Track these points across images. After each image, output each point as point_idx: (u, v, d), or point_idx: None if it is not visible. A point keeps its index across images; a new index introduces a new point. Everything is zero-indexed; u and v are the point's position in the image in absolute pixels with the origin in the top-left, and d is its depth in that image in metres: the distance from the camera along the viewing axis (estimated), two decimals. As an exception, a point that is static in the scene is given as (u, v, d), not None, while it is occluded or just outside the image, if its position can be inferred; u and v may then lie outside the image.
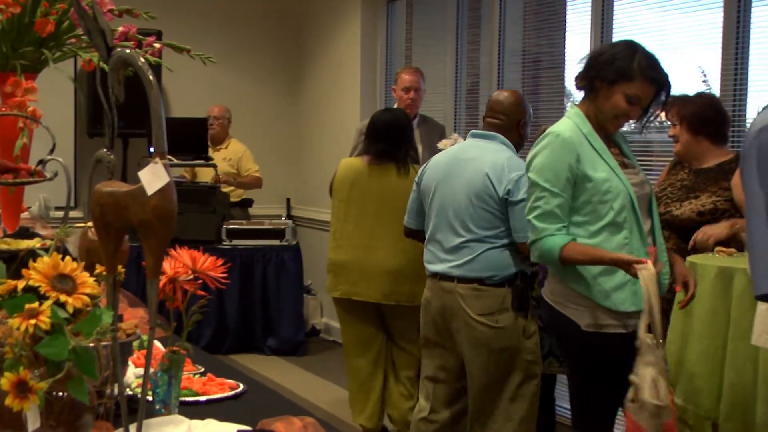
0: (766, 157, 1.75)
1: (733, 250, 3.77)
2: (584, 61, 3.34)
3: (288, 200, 8.64)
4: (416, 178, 4.27)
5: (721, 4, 4.74)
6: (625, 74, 3.20)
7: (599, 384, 3.29)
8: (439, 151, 5.66)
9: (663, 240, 3.44)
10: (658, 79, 3.23)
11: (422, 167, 4.28)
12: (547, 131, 3.31)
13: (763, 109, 2.05)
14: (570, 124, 3.27)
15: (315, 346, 7.78)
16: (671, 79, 3.27)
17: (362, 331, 5.02)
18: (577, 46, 5.82)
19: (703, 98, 4.18)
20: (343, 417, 5.45)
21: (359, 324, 5.01)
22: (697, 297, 3.60)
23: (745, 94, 4.65)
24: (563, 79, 6.06)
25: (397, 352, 5.09)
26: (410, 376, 5.10)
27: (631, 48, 3.25)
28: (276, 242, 7.42)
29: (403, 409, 5.09)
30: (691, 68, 5.09)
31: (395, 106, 6.00)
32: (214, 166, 7.32)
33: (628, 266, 3.03)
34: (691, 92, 4.30)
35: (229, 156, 7.72)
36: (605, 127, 3.31)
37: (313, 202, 8.20)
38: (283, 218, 8.18)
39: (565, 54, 6.21)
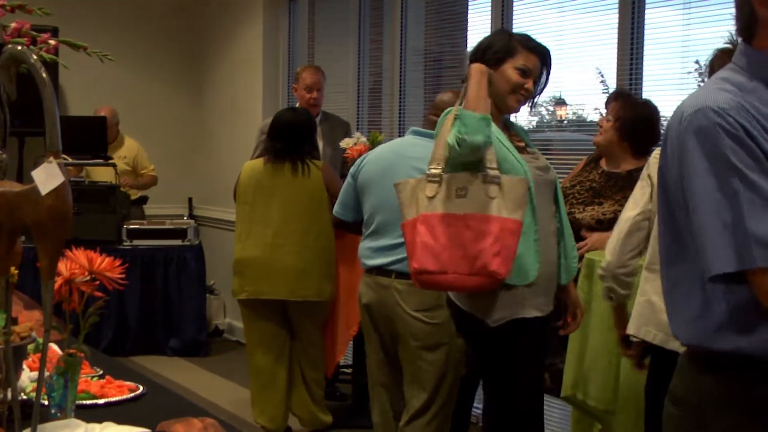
0: (708, 139, 1.76)
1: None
2: (468, 59, 3.41)
3: (190, 200, 8.56)
4: (352, 171, 4.23)
5: (617, 6, 4.84)
6: (507, 50, 3.30)
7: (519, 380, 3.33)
8: (343, 149, 5.69)
9: (570, 226, 3.50)
10: (539, 48, 3.36)
11: (359, 160, 4.23)
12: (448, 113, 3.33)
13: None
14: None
15: (218, 346, 7.72)
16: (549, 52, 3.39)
17: (266, 330, 5.00)
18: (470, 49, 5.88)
19: (646, 108, 4.22)
20: (246, 417, 5.42)
21: (263, 323, 4.99)
22: (596, 294, 3.68)
23: (640, 93, 4.75)
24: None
25: (302, 355, 5.08)
26: (316, 379, 5.10)
27: (505, 31, 3.45)
28: (178, 242, 7.34)
29: (310, 411, 5.09)
30: (589, 67, 5.19)
31: (297, 105, 5.99)
32: (114, 165, 7.20)
33: None
34: (594, 92, 4.36)
35: (124, 154, 7.61)
36: (507, 107, 3.36)
37: (216, 201, 8.13)
38: (185, 218, 8.10)
39: (467, 53, 6.26)
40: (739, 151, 1.74)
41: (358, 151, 5.64)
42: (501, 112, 3.38)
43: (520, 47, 3.31)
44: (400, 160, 3.97)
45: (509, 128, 3.44)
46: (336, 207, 4.30)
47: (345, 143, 5.71)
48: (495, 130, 3.26)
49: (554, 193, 3.40)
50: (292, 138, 4.90)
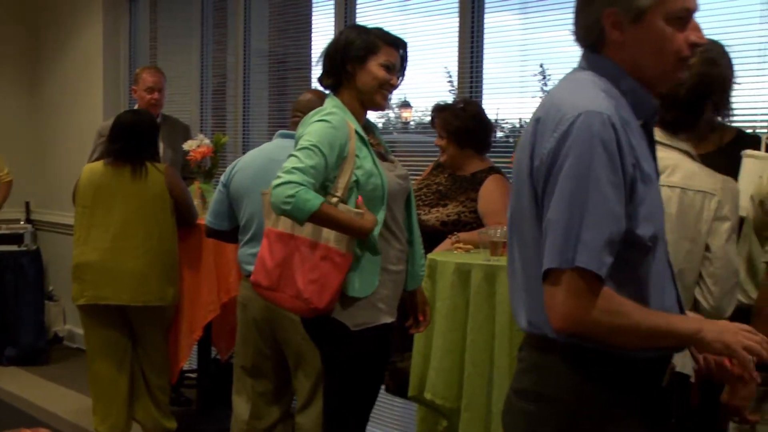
0: (584, 143, 1.83)
1: (470, 246, 3.91)
2: (322, 59, 3.38)
3: (27, 204, 8.27)
4: (223, 180, 4.14)
5: (457, 9, 4.92)
6: (370, 48, 3.28)
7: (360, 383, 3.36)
8: (185, 152, 5.61)
9: (419, 233, 3.53)
10: (397, 41, 3.36)
11: (230, 168, 4.14)
12: (316, 111, 3.29)
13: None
14: (341, 114, 3.25)
15: (58, 354, 7.50)
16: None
17: (106, 336, 4.87)
18: (323, 48, 5.88)
19: (467, 111, 4.26)
20: (86, 426, 5.28)
21: (104, 329, 4.86)
22: (439, 293, 3.72)
23: (480, 95, 4.84)
24: (310, 80, 6.11)
25: (146, 361, 4.98)
26: (161, 385, 5.00)
27: (360, 27, 3.39)
28: (14, 247, 7.12)
29: (154, 418, 4.99)
30: (433, 70, 5.25)
31: (136, 106, 5.86)
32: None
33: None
34: (438, 94, 4.41)
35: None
36: (375, 105, 3.35)
37: (56, 205, 7.89)
38: (22, 222, 7.84)
39: (311, 55, 6.27)
40: (606, 161, 1.81)
41: (202, 154, 5.58)
42: (367, 109, 3.38)
43: (381, 43, 3.30)
44: (272, 165, 3.86)
45: (370, 131, 3.44)
46: (208, 217, 4.24)
47: (188, 145, 5.63)
48: (362, 135, 3.27)
49: (407, 200, 3.43)
50: (133, 140, 4.79)
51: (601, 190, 1.80)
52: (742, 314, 2.67)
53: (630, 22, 1.92)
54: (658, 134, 2.76)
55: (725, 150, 3.32)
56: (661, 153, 2.70)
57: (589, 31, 1.97)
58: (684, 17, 1.93)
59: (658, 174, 2.02)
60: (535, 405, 1.98)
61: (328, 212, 3.03)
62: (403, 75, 3.41)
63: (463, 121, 4.20)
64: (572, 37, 2.05)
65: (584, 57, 2.02)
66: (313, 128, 3.16)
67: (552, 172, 1.86)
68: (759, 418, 2.66)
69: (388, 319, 3.34)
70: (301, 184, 2.98)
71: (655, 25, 1.91)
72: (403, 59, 3.38)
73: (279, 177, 3.00)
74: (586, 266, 1.80)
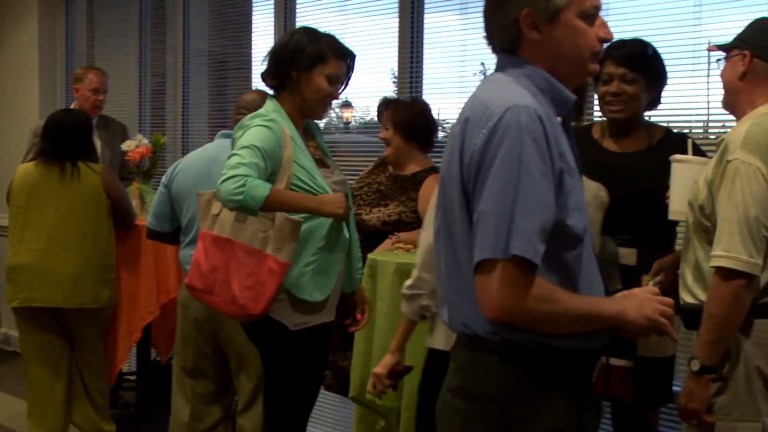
0: (515, 136, 1.85)
1: (411, 246, 3.91)
2: (269, 58, 3.33)
3: (-39, 205, 8.13)
4: (164, 181, 4.09)
5: (397, 10, 4.93)
6: (319, 57, 3.25)
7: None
8: (123, 151, 5.55)
9: (357, 236, 3.54)
10: (347, 53, 3.34)
11: (171, 169, 4.09)
12: (254, 115, 3.26)
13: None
14: (278, 120, 3.24)
15: (-7, 357, 7.39)
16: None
17: (41, 339, 4.80)
18: (264, 47, 5.87)
19: (416, 105, 4.27)
20: (22, 431, 5.19)
21: (38, 332, 4.79)
22: (379, 293, 3.73)
23: (421, 95, 4.86)
24: (250, 80, 6.09)
25: (84, 364, 4.91)
26: (99, 388, 4.94)
27: (312, 32, 3.33)
28: (-52, 250, 6.96)
29: (92, 421, 4.93)
30: (373, 70, 5.25)
31: (74, 105, 5.78)
32: None
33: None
34: (379, 94, 4.40)
35: None
36: (315, 115, 3.36)
37: (-10, 206, 7.76)
38: (-44, 224, 7.71)
39: (252, 55, 6.25)
40: (536, 152, 1.84)
41: (140, 154, 5.53)
42: (306, 117, 3.37)
43: (330, 54, 3.27)
44: (214, 165, 3.84)
45: (311, 135, 3.42)
46: (150, 218, 4.19)
47: (126, 145, 5.57)
48: (298, 143, 3.25)
49: None
50: (67, 140, 4.72)
51: (532, 179, 1.83)
52: (694, 315, 2.71)
53: (546, 22, 1.96)
54: None
55: (655, 148, 3.38)
56: None
57: (506, 33, 2.00)
58: (593, 14, 2.00)
59: (580, 169, 2.05)
60: (468, 403, 2.00)
61: (280, 195, 3.05)
62: (346, 85, 3.41)
63: (412, 114, 4.20)
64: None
65: (500, 60, 2.05)
66: (254, 131, 3.15)
67: (482, 167, 1.88)
68: (715, 419, 2.69)
69: (327, 319, 3.34)
70: (247, 175, 2.98)
71: (570, 23, 1.97)
72: (350, 69, 3.37)
73: (224, 174, 3.00)
74: (521, 253, 1.81)
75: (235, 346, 3.99)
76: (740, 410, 2.67)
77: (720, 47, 2.87)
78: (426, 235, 3.04)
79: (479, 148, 1.89)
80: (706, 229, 2.72)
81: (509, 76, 2.00)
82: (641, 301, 1.97)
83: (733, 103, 2.83)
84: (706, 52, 3.15)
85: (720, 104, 2.92)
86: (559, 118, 2.01)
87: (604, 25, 2.03)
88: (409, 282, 3.12)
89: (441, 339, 3.11)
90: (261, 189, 2.98)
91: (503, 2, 1.99)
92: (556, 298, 1.88)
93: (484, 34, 2.07)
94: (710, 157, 2.90)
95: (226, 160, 3.09)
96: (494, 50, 2.07)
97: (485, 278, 1.86)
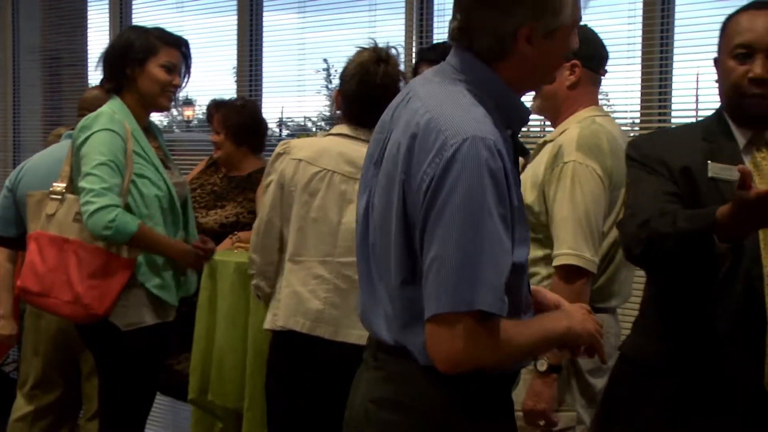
0: (473, 173, 1.69)
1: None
2: (102, 62, 3.32)
3: None
4: (8, 184, 3.93)
5: (235, 8, 4.91)
6: (148, 49, 3.24)
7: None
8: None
9: (196, 235, 3.51)
10: (177, 40, 3.33)
11: (16, 172, 3.95)
12: (96, 116, 3.21)
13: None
14: (118, 117, 3.20)
15: None
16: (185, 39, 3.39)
17: None
18: (99, 44, 5.76)
19: (246, 108, 4.25)
20: None
21: None
22: (219, 292, 3.70)
23: (260, 93, 4.86)
24: (86, 77, 5.97)
25: None
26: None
27: (139, 28, 3.36)
28: None
29: None
30: (213, 68, 5.22)
31: None
32: None
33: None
34: (220, 92, 4.39)
35: None
36: (159, 107, 3.33)
37: None
38: None
39: (87, 51, 6.12)
40: (495, 193, 1.69)
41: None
42: (151, 111, 3.34)
43: (160, 43, 3.26)
44: (61, 167, 3.75)
45: (153, 136, 3.38)
46: None
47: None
48: (145, 144, 3.23)
49: (184, 204, 3.39)
50: None
51: (494, 224, 1.68)
52: None
53: (542, 37, 1.80)
54: (348, 130, 2.89)
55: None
56: (363, 148, 2.75)
57: (497, 42, 1.80)
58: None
59: (518, 181, 1.92)
60: (400, 415, 1.87)
61: (146, 235, 3.12)
62: (188, 74, 3.39)
63: (243, 118, 4.19)
64: (454, 39, 1.88)
65: (462, 60, 1.85)
66: (100, 139, 3.12)
67: (436, 202, 1.70)
68: (558, 420, 2.77)
69: (162, 320, 3.29)
70: (117, 206, 3.04)
71: (562, 40, 1.83)
72: (186, 57, 3.36)
73: (91, 202, 3.03)
74: (490, 309, 1.68)
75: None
76: (557, 401, 2.76)
77: None
78: (260, 217, 3.05)
79: (434, 180, 1.71)
80: (533, 227, 2.81)
81: (460, 88, 1.82)
82: (581, 315, 1.94)
83: (554, 108, 2.91)
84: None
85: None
86: (509, 131, 1.86)
87: (576, 35, 1.90)
88: None
89: (282, 316, 3.00)
90: (130, 226, 3.05)
91: (505, 10, 1.78)
92: (510, 340, 1.76)
93: (456, 25, 1.85)
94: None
95: (81, 179, 3.08)
96: (461, 47, 1.86)
97: (440, 331, 1.71)
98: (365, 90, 2.88)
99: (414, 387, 1.84)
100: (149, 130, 3.37)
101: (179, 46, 3.33)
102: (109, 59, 3.29)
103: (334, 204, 2.88)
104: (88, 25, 6.09)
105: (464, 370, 1.75)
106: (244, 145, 4.21)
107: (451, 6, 1.90)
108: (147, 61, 3.24)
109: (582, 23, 2.87)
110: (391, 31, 4.53)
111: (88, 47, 6.11)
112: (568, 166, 2.71)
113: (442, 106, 1.78)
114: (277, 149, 2.99)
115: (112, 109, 3.22)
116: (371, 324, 1.93)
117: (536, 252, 2.75)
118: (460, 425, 1.85)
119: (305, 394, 2.99)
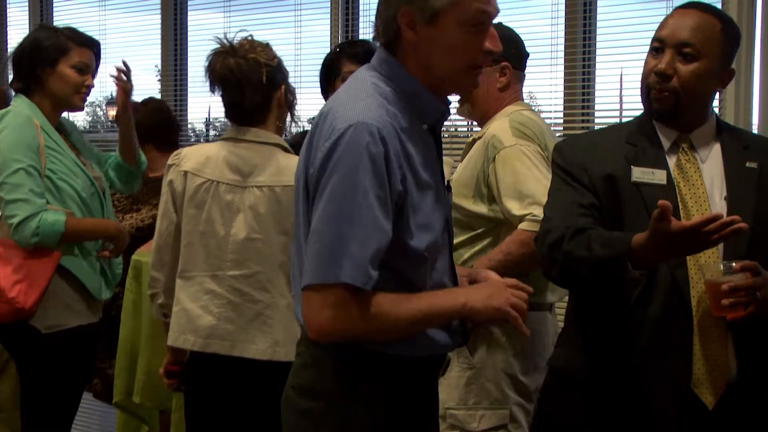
0: (353, 157, 1.79)
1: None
2: (11, 63, 3.29)
3: None
4: None
5: (159, 7, 4.87)
6: (60, 50, 3.22)
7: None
8: None
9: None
10: (89, 40, 3.31)
11: None
12: (2, 115, 3.16)
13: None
14: (25, 113, 3.17)
15: None
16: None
17: None
18: (11, 51, 5.68)
19: (148, 106, 4.18)
20: None
21: None
22: (144, 294, 3.66)
23: (186, 93, 4.83)
24: (6, 75, 5.86)
25: None
26: None
27: (49, 27, 3.35)
28: None
29: None
30: (138, 67, 5.17)
31: None
32: None
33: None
34: (145, 92, 4.33)
35: None
36: (72, 107, 3.31)
37: None
38: None
39: (6, 50, 6.02)
40: (373, 176, 1.78)
41: None
42: (62, 110, 3.31)
43: (71, 44, 3.23)
44: None
45: (65, 133, 3.33)
46: None
47: None
48: (57, 139, 3.20)
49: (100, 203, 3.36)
50: None
51: (368, 202, 1.77)
52: None
53: (424, 23, 1.85)
54: (232, 132, 2.83)
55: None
56: (248, 152, 2.76)
57: (387, 28, 1.90)
58: (482, 22, 1.88)
59: (443, 178, 2.01)
60: (314, 402, 1.94)
61: (75, 227, 3.12)
62: (95, 74, 3.36)
63: (144, 114, 4.08)
64: (373, 32, 1.99)
65: (377, 54, 1.96)
66: (8, 141, 3.09)
67: (320, 182, 1.81)
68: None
69: (86, 321, 3.25)
70: (39, 211, 3.04)
71: (448, 29, 1.86)
72: (98, 57, 3.33)
73: (13, 215, 3.04)
74: (352, 281, 1.77)
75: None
76: (489, 399, 2.82)
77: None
78: (158, 232, 2.96)
79: (320, 162, 1.82)
80: (468, 224, 2.83)
81: (372, 77, 1.91)
82: (493, 290, 1.94)
83: (484, 111, 2.94)
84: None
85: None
86: (425, 126, 1.94)
87: (494, 36, 1.93)
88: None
89: (172, 335, 2.89)
90: (57, 226, 3.06)
91: None
92: (382, 311, 1.83)
93: (374, 24, 1.97)
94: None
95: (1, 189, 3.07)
96: (375, 40, 1.98)
97: (312, 300, 1.82)
98: (222, 87, 2.80)
99: (323, 374, 1.93)
100: (60, 128, 3.34)
101: (91, 46, 3.30)
102: (17, 60, 3.26)
103: (220, 215, 2.78)
104: (9, 23, 6.00)
105: (333, 338, 1.86)
106: (149, 143, 4.10)
107: (375, 6, 1.98)
108: (58, 61, 3.22)
109: (504, 23, 2.94)
110: (316, 31, 4.54)
111: (8, 45, 6.01)
112: (512, 149, 2.74)
113: (340, 98, 1.91)
114: (169, 160, 2.91)
115: (19, 106, 3.20)
116: (297, 313, 2.00)
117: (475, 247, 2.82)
118: (365, 414, 1.90)
119: (220, 415, 2.91)
